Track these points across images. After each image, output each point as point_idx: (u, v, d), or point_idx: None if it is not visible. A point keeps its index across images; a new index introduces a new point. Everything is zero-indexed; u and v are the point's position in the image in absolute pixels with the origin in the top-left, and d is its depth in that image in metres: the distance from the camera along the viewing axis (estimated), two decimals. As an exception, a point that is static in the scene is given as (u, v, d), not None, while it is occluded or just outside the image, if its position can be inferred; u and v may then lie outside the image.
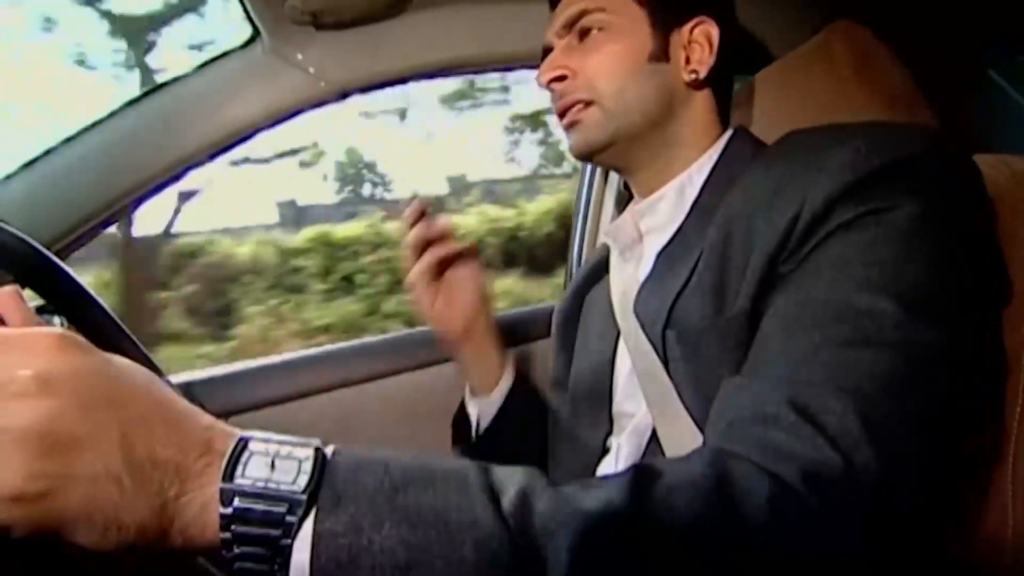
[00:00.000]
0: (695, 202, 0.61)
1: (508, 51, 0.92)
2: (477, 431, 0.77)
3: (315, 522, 0.30)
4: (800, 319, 0.43)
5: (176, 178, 0.88)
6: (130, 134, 0.86)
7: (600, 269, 0.75)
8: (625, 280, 0.65)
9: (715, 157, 0.63)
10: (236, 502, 0.30)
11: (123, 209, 0.87)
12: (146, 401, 0.31)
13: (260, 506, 0.30)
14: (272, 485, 0.30)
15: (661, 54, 0.61)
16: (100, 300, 0.68)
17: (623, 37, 0.61)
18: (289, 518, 0.30)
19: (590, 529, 0.32)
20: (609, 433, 0.65)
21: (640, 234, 0.66)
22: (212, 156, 0.88)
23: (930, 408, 0.39)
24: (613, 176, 1.16)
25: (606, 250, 0.75)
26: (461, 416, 0.80)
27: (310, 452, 0.32)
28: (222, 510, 0.30)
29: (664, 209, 0.64)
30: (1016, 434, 0.47)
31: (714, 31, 0.62)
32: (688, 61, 0.62)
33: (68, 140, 0.85)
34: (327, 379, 0.97)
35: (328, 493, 0.31)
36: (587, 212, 1.19)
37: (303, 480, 0.31)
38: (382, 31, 0.87)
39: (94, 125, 0.85)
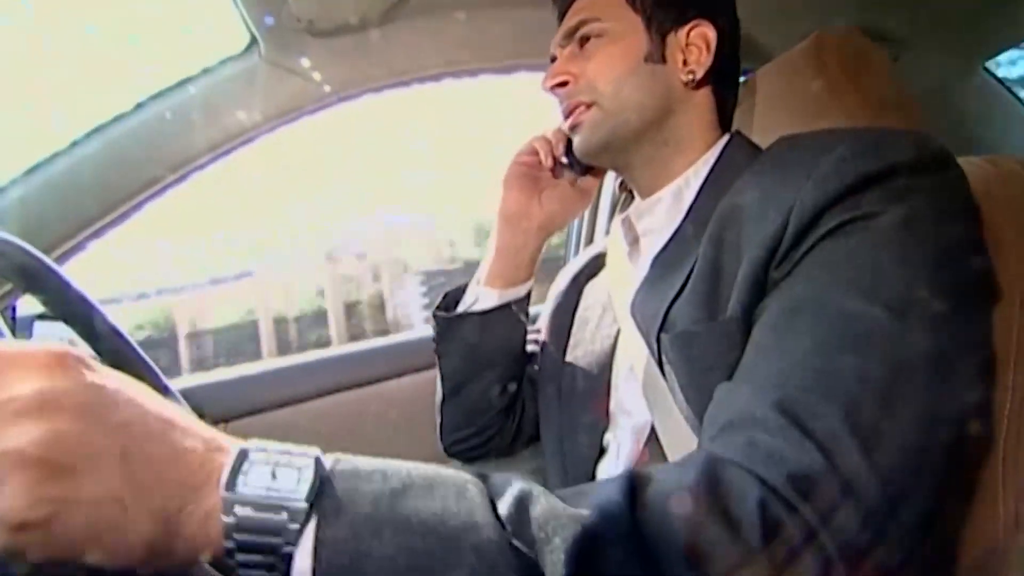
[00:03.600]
0: (691, 206, 0.62)
1: (502, 56, 0.93)
2: (468, 310, 0.75)
3: (316, 529, 0.30)
4: (789, 324, 0.44)
5: (172, 186, 0.88)
6: (130, 139, 0.87)
7: (598, 262, 0.75)
8: (625, 279, 0.65)
9: (711, 161, 0.64)
10: (237, 511, 0.30)
11: (123, 215, 0.87)
12: (146, 418, 0.31)
13: (261, 514, 0.30)
14: (273, 493, 0.31)
15: (658, 55, 0.63)
16: (100, 307, 0.68)
17: (620, 41, 0.64)
18: (291, 525, 0.30)
19: (585, 532, 0.33)
20: (605, 429, 0.65)
21: (637, 235, 0.67)
22: (208, 163, 0.89)
23: (919, 414, 0.39)
24: (608, 178, 1.17)
25: (603, 244, 0.75)
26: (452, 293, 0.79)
27: (310, 461, 0.32)
28: (224, 519, 0.30)
29: (661, 212, 0.65)
30: (1006, 435, 0.48)
31: (711, 33, 0.63)
32: (685, 63, 0.63)
33: (68, 146, 0.85)
34: (324, 384, 0.98)
35: (329, 501, 0.31)
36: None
37: (304, 488, 0.31)
38: (376, 37, 0.87)
39: (94, 131, 0.86)
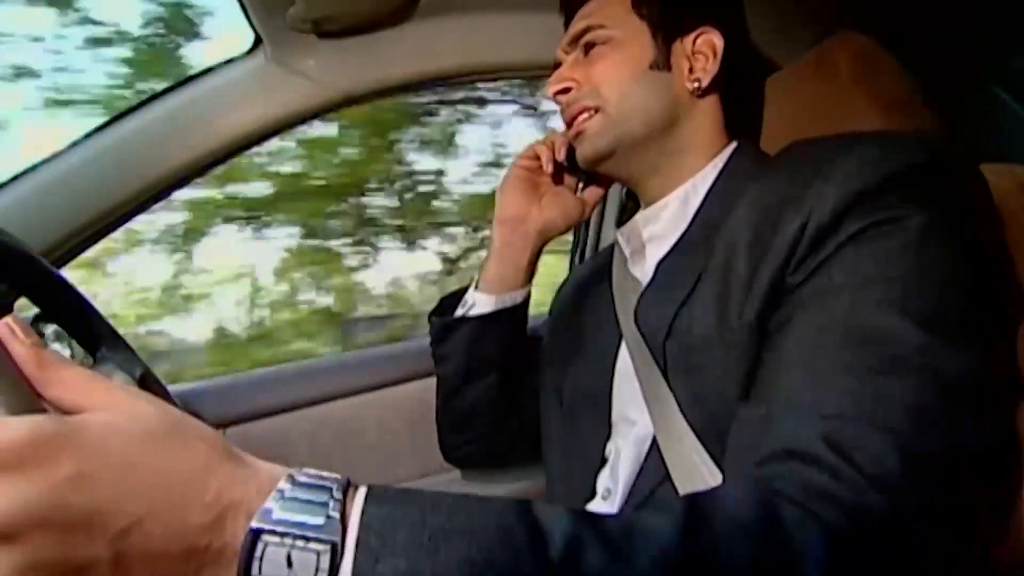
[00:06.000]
0: (697, 212, 0.62)
1: (511, 60, 0.92)
2: (464, 315, 0.74)
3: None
4: (821, 342, 0.43)
5: (177, 186, 0.87)
6: (131, 141, 0.86)
7: (602, 270, 0.75)
8: (628, 287, 0.65)
9: (719, 167, 0.63)
10: None
11: (123, 218, 0.86)
12: (137, 501, 0.28)
13: None
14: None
15: (663, 63, 0.63)
16: (97, 308, 0.67)
17: (625, 47, 0.63)
18: None
19: None
20: (607, 439, 0.64)
21: (643, 242, 0.66)
22: (213, 164, 0.88)
23: (960, 434, 0.39)
24: (614, 187, 1.16)
25: (608, 252, 0.75)
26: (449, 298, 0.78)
27: (327, 547, 0.29)
28: None
29: (667, 217, 0.64)
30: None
31: (718, 41, 0.63)
32: (691, 70, 0.63)
33: (68, 147, 0.84)
34: (326, 389, 0.96)
35: (363, 554, 0.29)
36: (588, 223, 1.19)
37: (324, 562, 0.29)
38: (385, 39, 0.87)
39: (94, 132, 0.85)
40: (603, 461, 0.63)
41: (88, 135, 0.85)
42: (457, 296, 0.77)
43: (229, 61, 0.88)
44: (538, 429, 0.76)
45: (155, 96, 0.87)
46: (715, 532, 0.34)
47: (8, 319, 0.31)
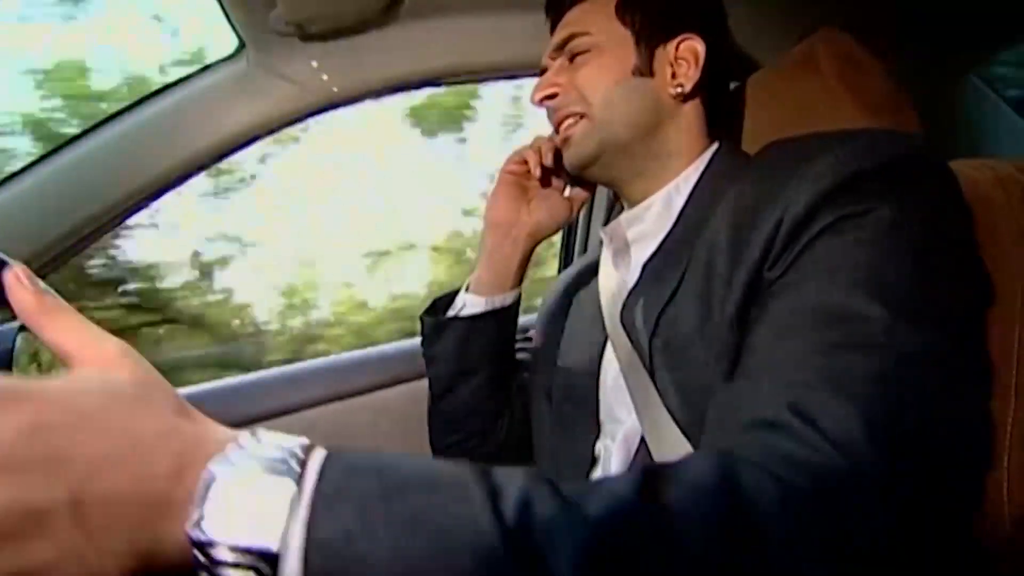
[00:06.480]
0: (681, 212, 0.62)
1: (496, 61, 0.93)
2: (455, 315, 0.75)
3: (307, 528, 0.28)
4: (791, 324, 0.44)
5: (159, 194, 0.87)
6: (115, 147, 0.85)
7: (590, 271, 0.76)
8: (614, 286, 0.66)
9: (701, 169, 0.64)
10: (208, 551, 0.28)
11: (105, 226, 0.85)
12: (96, 447, 0.28)
13: (235, 555, 0.28)
14: (243, 539, 0.28)
15: (646, 69, 0.64)
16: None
17: (608, 53, 0.64)
18: (266, 569, 0.28)
19: (596, 539, 0.31)
20: (596, 438, 0.64)
21: (627, 241, 0.67)
22: (197, 171, 0.87)
23: (923, 407, 0.40)
24: (602, 188, 1.17)
25: (596, 253, 0.75)
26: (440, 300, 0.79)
27: (287, 492, 0.29)
28: (199, 557, 0.28)
29: (651, 218, 0.65)
30: (1010, 438, 0.47)
31: (700, 47, 0.64)
32: (674, 76, 0.64)
33: (47, 155, 0.83)
34: (317, 393, 0.96)
35: (319, 498, 0.29)
36: (576, 223, 1.19)
37: (278, 529, 0.28)
38: (369, 41, 0.87)
39: (74, 140, 0.84)
40: (594, 460, 0.64)
41: (71, 141, 0.84)
42: (448, 298, 0.78)
43: (212, 65, 0.87)
44: (529, 429, 0.76)
45: (138, 102, 0.86)
46: (671, 487, 0.34)
47: (16, 268, 0.33)
